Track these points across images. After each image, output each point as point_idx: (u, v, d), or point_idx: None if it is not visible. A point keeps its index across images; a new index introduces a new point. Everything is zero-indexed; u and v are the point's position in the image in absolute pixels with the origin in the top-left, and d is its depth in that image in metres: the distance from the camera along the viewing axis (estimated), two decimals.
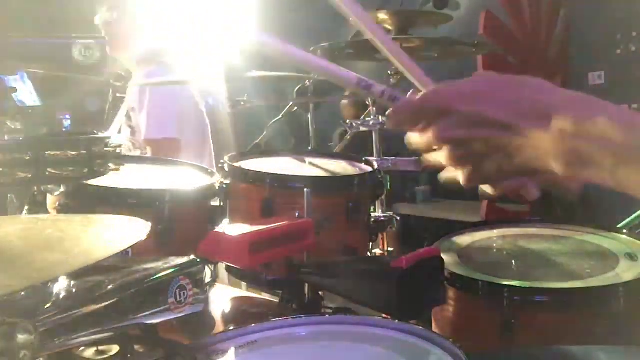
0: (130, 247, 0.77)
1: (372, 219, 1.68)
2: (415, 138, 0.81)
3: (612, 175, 0.65)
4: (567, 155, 0.67)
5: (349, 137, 2.25)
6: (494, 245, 1.68)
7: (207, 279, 0.94)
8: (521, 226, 1.80)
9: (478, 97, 0.74)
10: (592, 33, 4.12)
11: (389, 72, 1.97)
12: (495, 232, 1.76)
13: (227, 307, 1.71)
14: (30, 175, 1.13)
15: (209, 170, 1.75)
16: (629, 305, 1.29)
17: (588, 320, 1.32)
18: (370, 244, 1.69)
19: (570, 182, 0.72)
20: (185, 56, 2.61)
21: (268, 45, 0.85)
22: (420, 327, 1.06)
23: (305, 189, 1.43)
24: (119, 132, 2.67)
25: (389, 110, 0.80)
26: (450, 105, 0.75)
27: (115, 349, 0.86)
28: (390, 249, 1.85)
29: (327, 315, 1.29)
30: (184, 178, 1.70)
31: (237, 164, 1.64)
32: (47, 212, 1.44)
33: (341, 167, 1.77)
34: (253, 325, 1.10)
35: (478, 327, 1.42)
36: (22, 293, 0.69)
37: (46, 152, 1.15)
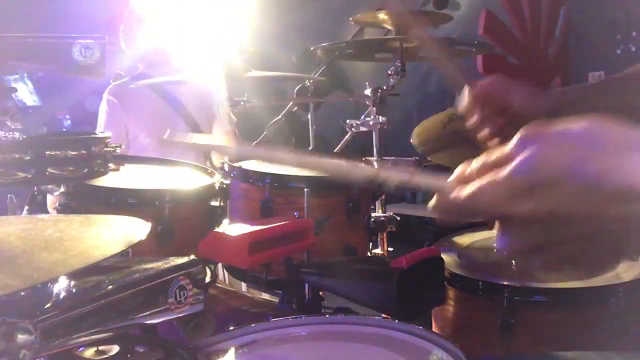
0: (130, 247, 0.77)
1: (372, 219, 1.68)
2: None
3: None
4: None
5: (349, 137, 2.25)
6: (494, 245, 1.68)
7: (207, 279, 0.94)
8: None
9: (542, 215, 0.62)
10: (592, 33, 4.12)
11: (389, 72, 1.97)
12: (495, 232, 1.75)
13: (227, 307, 1.71)
14: (30, 175, 1.13)
15: (209, 170, 1.75)
16: (629, 305, 1.29)
17: (588, 321, 1.32)
18: (370, 244, 1.69)
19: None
20: (183, 57, 2.61)
21: (284, 158, 0.80)
22: (420, 327, 1.06)
23: (305, 189, 1.43)
24: None
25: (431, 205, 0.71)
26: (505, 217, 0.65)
27: (115, 349, 0.86)
28: (390, 249, 1.85)
29: (327, 315, 1.29)
30: (184, 178, 1.70)
31: (237, 164, 1.64)
32: (47, 212, 1.44)
33: None
34: (253, 325, 1.10)
35: (478, 327, 1.42)
36: (22, 293, 0.69)
37: (46, 152, 1.15)
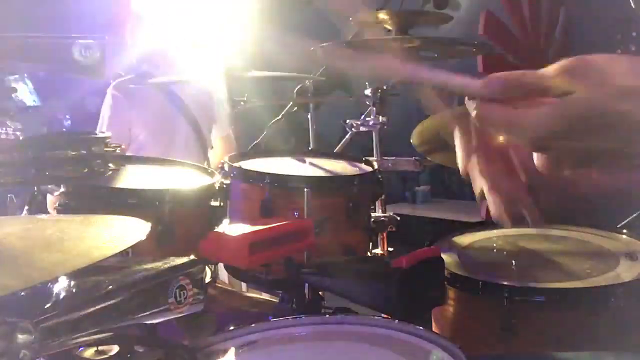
0: (130, 247, 0.77)
1: (372, 219, 1.68)
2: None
3: None
4: None
5: (349, 137, 2.25)
6: (494, 245, 1.68)
7: (207, 279, 0.94)
8: (521, 226, 1.80)
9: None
10: (592, 33, 4.12)
11: None
12: (495, 232, 1.76)
13: (227, 307, 1.71)
14: (30, 176, 1.13)
15: (209, 170, 1.75)
16: (629, 305, 1.29)
17: (588, 321, 1.32)
18: (370, 244, 1.69)
19: None
20: (185, 57, 2.62)
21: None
22: (420, 327, 1.06)
23: (305, 189, 1.43)
24: None
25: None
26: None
27: (115, 349, 0.86)
28: (390, 249, 1.85)
29: (327, 315, 1.29)
30: (184, 178, 1.70)
31: (237, 164, 1.64)
32: (47, 212, 1.44)
33: (341, 167, 1.77)
34: (253, 325, 1.10)
35: (478, 327, 1.42)
36: (22, 293, 0.69)
37: (46, 152, 1.16)
